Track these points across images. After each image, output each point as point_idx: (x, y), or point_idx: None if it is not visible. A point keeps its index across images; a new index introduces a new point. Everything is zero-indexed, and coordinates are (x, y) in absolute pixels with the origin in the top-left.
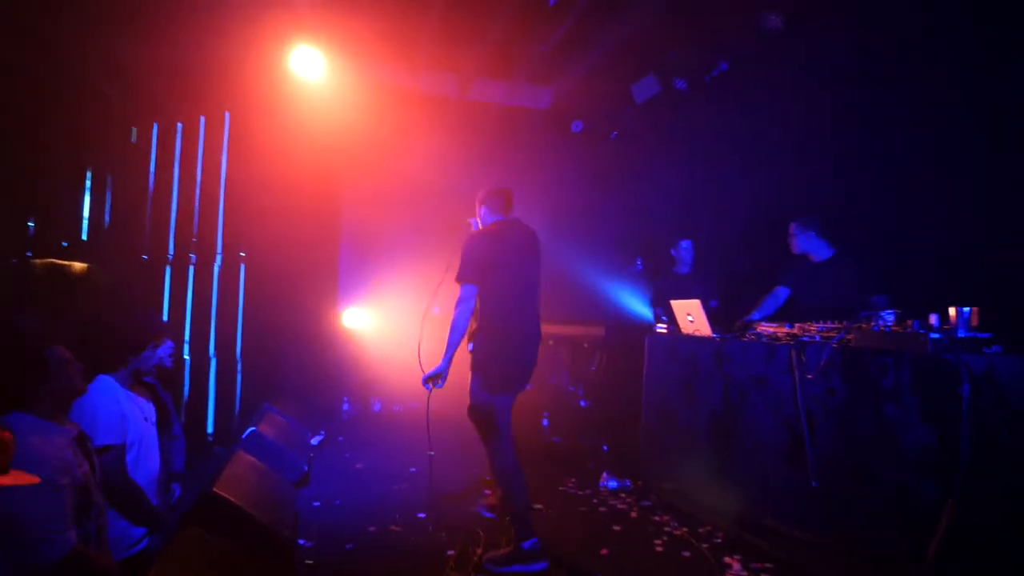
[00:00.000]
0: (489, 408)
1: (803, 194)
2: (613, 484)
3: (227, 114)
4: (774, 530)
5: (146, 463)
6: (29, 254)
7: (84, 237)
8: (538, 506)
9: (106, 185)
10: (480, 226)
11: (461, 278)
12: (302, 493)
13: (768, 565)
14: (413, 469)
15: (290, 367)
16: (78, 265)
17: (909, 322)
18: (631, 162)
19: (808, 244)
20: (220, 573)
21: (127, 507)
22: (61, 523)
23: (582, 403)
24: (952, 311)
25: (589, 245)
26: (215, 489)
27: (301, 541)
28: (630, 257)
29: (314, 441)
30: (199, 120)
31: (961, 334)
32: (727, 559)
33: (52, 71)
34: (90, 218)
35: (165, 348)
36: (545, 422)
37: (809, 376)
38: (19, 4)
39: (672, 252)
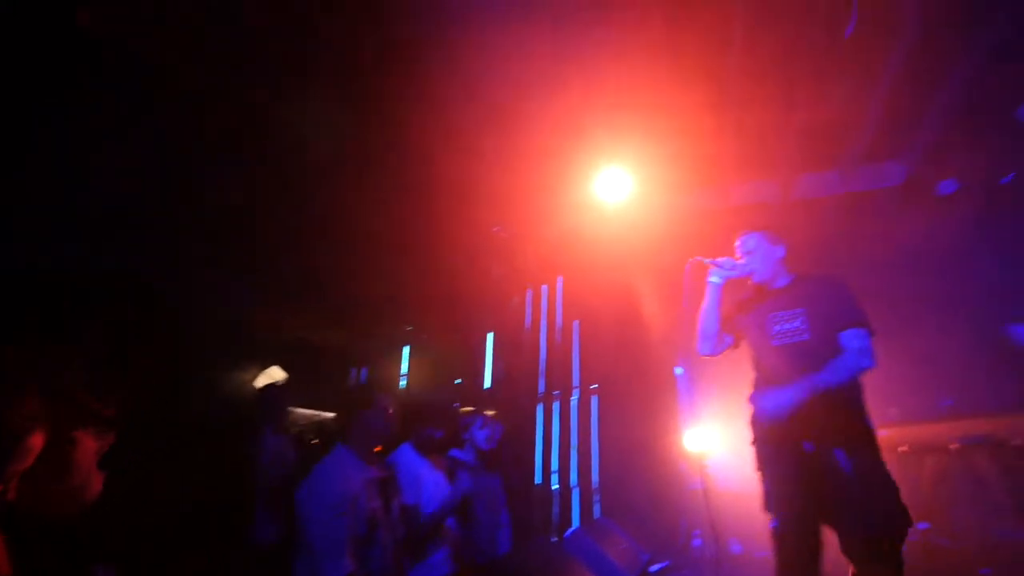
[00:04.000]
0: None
1: None
2: None
3: (559, 278)
4: None
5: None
6: (457, 404)
7: (487, 386)
8: None
9: (499, 343)
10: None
11: (869, 323)
12: None
13: None
14: None
15: (637, 494)
16: (489, 412)
17: None
18: None
19: None
20: None
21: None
22: (340, 547)
23: None
24: None
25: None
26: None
27: None
28: None
29: (654, 568)
30: (554, 283)
31: None
32: None
33: (469, 266)
34: (493, 371)
35: (482, 431)
36: None
37: None
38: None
39: None
